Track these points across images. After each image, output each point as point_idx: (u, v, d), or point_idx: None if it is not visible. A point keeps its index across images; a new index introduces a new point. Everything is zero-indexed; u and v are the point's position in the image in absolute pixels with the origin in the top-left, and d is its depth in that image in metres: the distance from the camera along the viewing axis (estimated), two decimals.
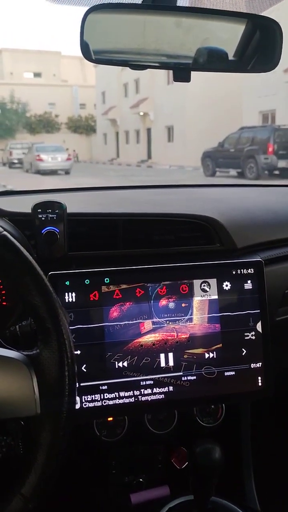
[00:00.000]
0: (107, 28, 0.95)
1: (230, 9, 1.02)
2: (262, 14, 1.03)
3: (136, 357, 1.03)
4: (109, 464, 1.26)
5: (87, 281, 1.02)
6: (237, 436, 1.31)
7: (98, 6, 0.89)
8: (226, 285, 1.08)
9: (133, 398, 1.02)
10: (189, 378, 1.05)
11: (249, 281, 1.10)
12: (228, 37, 1.03)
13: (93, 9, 0.88)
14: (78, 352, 0.99)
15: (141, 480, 1.26)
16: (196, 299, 1.07)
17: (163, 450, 1.28)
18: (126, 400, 1.02)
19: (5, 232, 0.76)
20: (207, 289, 1.07)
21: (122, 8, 0.94)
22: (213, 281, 1.08)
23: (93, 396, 1.01)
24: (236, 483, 1.29)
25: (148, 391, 1.03)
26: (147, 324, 1.04)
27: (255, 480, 1.29)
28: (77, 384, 0.76)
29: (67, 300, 1.00)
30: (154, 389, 1.03)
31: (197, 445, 0.98)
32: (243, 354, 1.08)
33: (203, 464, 0.96)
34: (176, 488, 1.22)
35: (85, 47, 0.90)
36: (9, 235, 0.76)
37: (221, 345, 1.07)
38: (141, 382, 1.03)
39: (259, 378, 1.09)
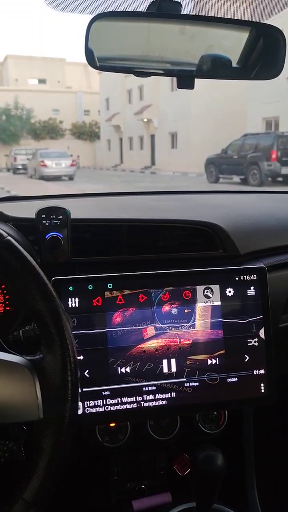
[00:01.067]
0: (112, 35, 0.95)
1: (234, 17, 1.03)
2: (266, 22, 1.04)
3: (138, 363, 1.02)
4: (111, 470, 1.25)
5: (90, 287, 1.02)
6: (239, 442, 1.30)
7: (103, 14, 0.90)
8: (229, 291, 1.08)
9: (135, 404, 1.02)
10: (191, 384, 1.05)
11: (252, 287, 1.10)
12: (232, 44, 1.04)
13: (98, 17, 0.89)
14: (81, 357, 0.99)
15: (143, 486, 1.26)
16: (199, 305, 1.07)
17: (165, 457, 1.28)
18: (129, 406, 1.02)
19: (9, 237, 0.76)
20: (210, 295, 1.07)
21: (127, 16, 0.95)
22: (216, 287, 1.08)
23: (96, 401, 1.00)
24: (238, 490, 1.29)
25: (151, 397, 1.03)
26: (150, 330, 1.04)
27: (258, 487, 1.28)
28: (79, 389, 0.76)
29: (70, 305, 1.00)
30: (157, 395, 1.03)
31: (199, 452, 0.97)
32: (246, 360, 1.08)
33: (206, 470, 0.95)
34: (178, 495, 1.22)
35: (90, 54, 0.91)
36: (13, 240, 0.76)
37: (224, 351, 1.07)
38: (144, 388, 1.03)
39: (262, 384, 1.08)
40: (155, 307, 1.04)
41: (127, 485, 1.26)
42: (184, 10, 0.94)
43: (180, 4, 0.93)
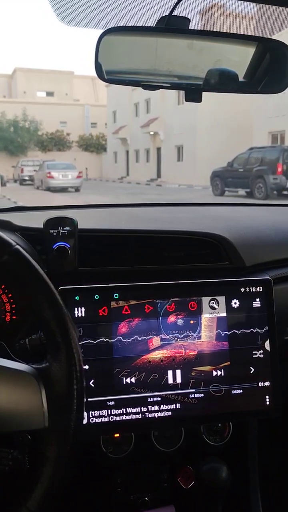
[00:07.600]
0: (121, 49, 0.97)
1: (241, 32, 1.04)
2: (272, 37, 1.05)
3: (144, 373, 1.03)
4: (114, 482, 1.25)
5: (96, 297, 1.02)
6: (244, 455, 1.29)
7: (113, 29, 0.91)
8: (235, 303, 1.09)
9: (140, 415, 1.02)
10: (196, 395, 1.05)
11: (257, 299, 1.10)
12: (238, 59, 1.05)
13: (108, 32, 0.91)
14: (86, 367, 0.99)
15: (146, 499, 1.25)
16: (205, 316, 1.07)
17: (169, 469, 1.27)
18: (133, 417, 1.02)
19: (17, 246, 0.77)
20: (216, 307, 1.08)
21: (136, 31, 0.97)
22: (221, 299, 1.08)
23: (101, 411, 1.00)
24: (242, 503, 1.27)
25: (156, 407, 1.03)
26: (156, 341, 1.04)
27: (262, 500, 1.27)
28: (85, 399, 0.76)
29: (76, 315, 1.01)
30: (162, 406, 1.03)
31: (203, 464, 0.97)
32: (251, 372, 1.08)
33: (210, 483, 0.95)
34: (181, 508, 1.21)
35: (99, 68, 0.93)
36: (21, 249, 0.77)
37: (229, 363, 1.07)
38: (149, 399, 1.03)
39: (267, 397, 1.08)
40: (161, 317, 1.05)
41: (130, 497, 1.25)
42: (192, 26, 0.96)
43: (188, 20, 0.95)
